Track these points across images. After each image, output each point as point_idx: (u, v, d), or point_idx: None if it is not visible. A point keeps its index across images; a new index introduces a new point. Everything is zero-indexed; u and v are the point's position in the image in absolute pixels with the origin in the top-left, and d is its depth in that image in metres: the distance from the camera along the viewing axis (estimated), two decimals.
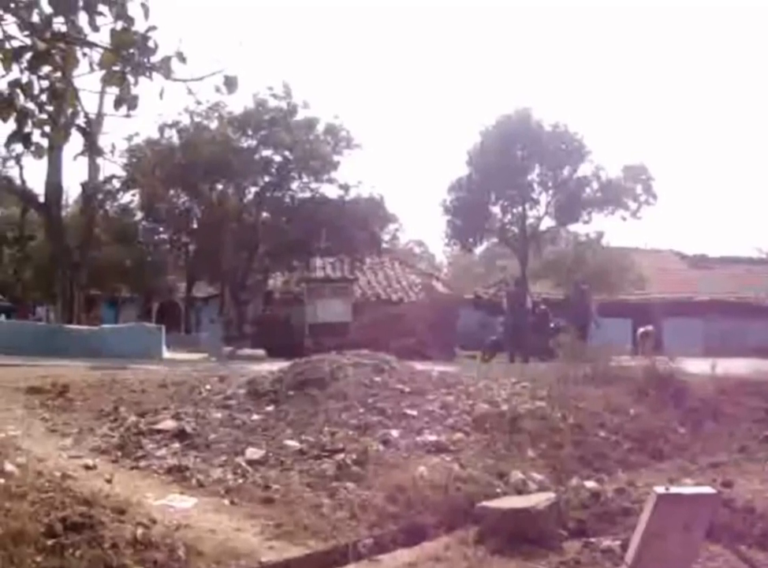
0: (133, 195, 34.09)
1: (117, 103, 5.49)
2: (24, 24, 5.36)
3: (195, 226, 32.46)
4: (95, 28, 5.41)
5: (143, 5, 5.41)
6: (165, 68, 5.43)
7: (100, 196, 33.88)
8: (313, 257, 30.47)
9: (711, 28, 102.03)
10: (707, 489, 6.92)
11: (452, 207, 29.87)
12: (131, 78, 5.51)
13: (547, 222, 30.50)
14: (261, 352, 27.13)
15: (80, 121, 5.65)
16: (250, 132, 28.66)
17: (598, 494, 10.38)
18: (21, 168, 35.57)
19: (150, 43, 5.53)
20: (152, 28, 5.51)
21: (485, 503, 9.59)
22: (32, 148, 5.59)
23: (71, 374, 17.86)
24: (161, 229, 37.66)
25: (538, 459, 12.33)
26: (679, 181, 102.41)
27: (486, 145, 29.40)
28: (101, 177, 31.78)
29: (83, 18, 5.41)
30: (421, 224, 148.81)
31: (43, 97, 5.48)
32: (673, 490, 6.29)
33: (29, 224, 41.12)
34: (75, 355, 24.57)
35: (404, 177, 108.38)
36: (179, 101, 33.62)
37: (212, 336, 30.30)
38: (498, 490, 10.82)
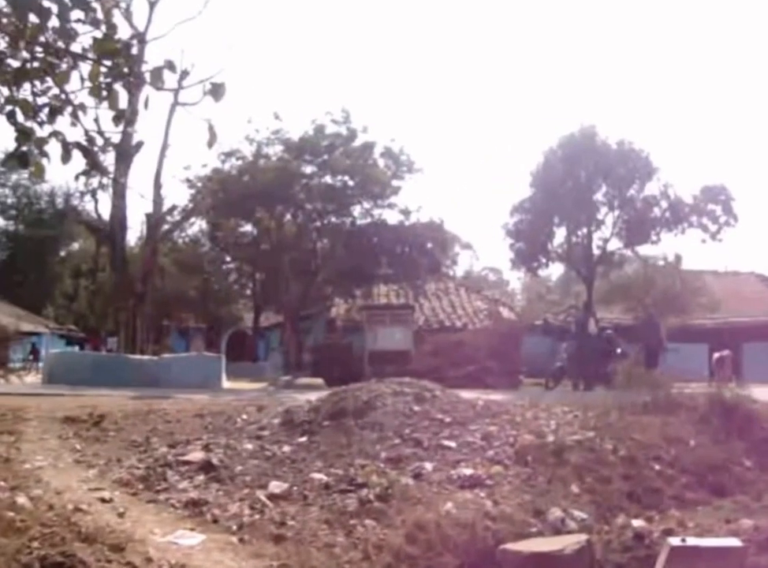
0: (194, 224, 33.96)
1: (116, 119, 5.16)
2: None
3: (254, 254, 32.10)
4: (68, 36, 4.92)
5: (126, 11, 4.89)
6: (154, 78, 4.91)
7: (166, 227, 33.84)
8: (373, 284, 29.78)
9: None
10: (733, 541, 5.89)
11: (514, 230, 28.92)
12: (120, 89, 5.10)
13: (615, 244, 29.36)
14: (319, 381, 26.50)
15: (81, 138, 5.21)
16: (308, 158, 28.22)
17: (642, 535, 9.33)
18: (96, 201, 35.77)
19: (134, 51, 5.16)
20: (136, 35, 4.99)
21: (507, 546, 8.68)
22: (31, 168, 5.15)
23: (110, 403, 17.44)
24: (228, 258, 37.46)
25: (583, 495, 11.32)
26: (760, 202, 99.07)
27: (549, 165, 28.39)
28: (165, 208, 31.65)
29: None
30: (495, 251, 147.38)
31: (43, 115, 5.10)
32: (690, 541, 5.31)
33: (104, 257, 41.44)
34: (134, 385, 24.32)
35: (475, 202, 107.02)
36: (240, 128, 33.59)
37: (271, 365, 29.82)
38: (534, 529, 9.91)
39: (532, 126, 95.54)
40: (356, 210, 28.91)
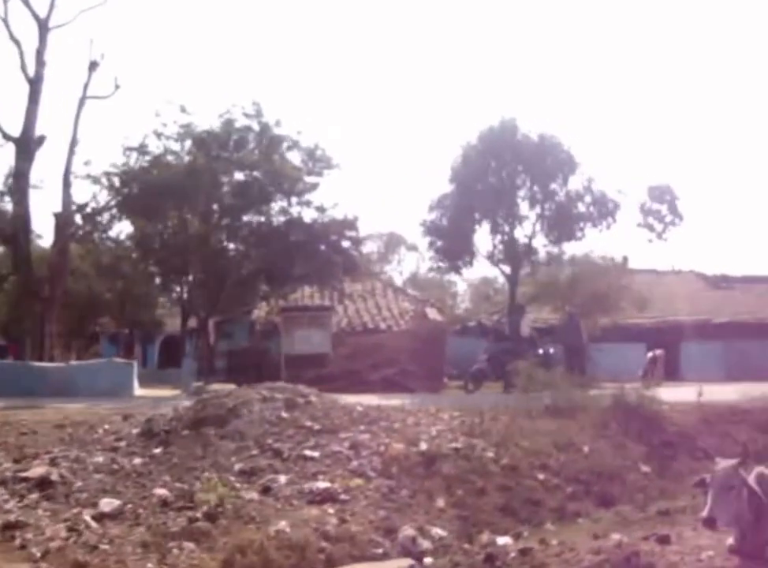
0: (113, 224, 32.39)
1: None
2: None
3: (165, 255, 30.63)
4: None
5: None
6: None
7: (87, 228, 32.37)
8: (287, 285, 28.60)
9: (737, 38, 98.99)
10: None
11: (433, 227, 27.87)
12: None
13: (542, 241, 28.41)
14: (232, 386, 25.28)
15: None
16: (218, 153, 26.87)
17: (493, 556, 8.28)
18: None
19: None
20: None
21: None
22: None
23: None
24: (151, 261, 35.94)
25: (449, 509, 10.34)
26: (702, 201, 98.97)
27: (468, 160, 27.31)
28: (73, 207, 30.21)
29: None
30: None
31: None
32: None
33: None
34: (39, 394, 22.93)
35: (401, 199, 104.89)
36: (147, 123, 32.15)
37: (186, 371, 28.56)
38: (380, 550, 8.91)
39: (453, 120, 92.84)
40: (271, 208, 27.68)
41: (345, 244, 26.69)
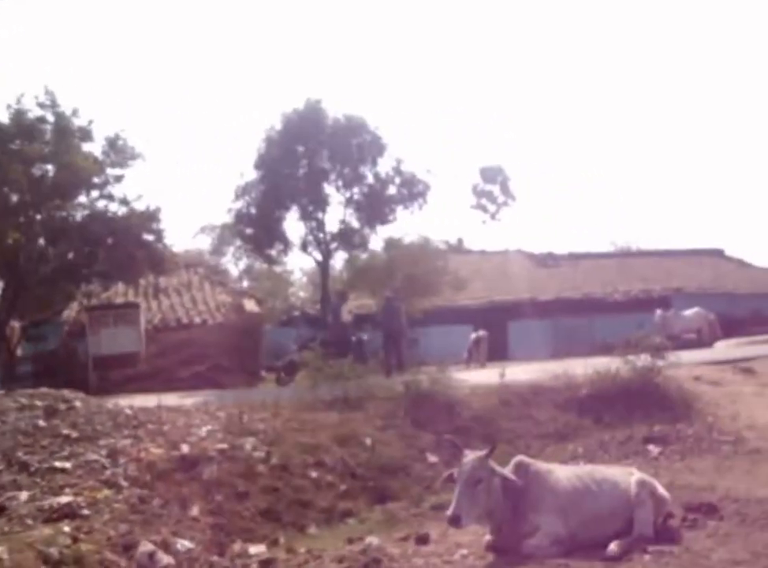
0: None
1: None
2: None
3: None
4: None
5: None
6: None
7: None
8: (92, 282, 27.24)
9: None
10: None
11: (242, 215, 27.06)
12: None
13: (354, 226, 27.85)
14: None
15: None
16: (2, 146, 25.07)
17: None
18: None
19: None
20: None
21: None
22: None
23: None
24: None
25: (204, 517, 9.76)
26: (532, 181, 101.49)
27: (272, 143, 26.65)
28: None
29: None
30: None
31: None
32: None
33: None
34: None
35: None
36: None
37: None
38: None
39: (257, 103, 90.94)
40: (71, 202, 26.15)
41: (148, 237, 25.52)
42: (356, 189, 26.85)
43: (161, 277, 30.00)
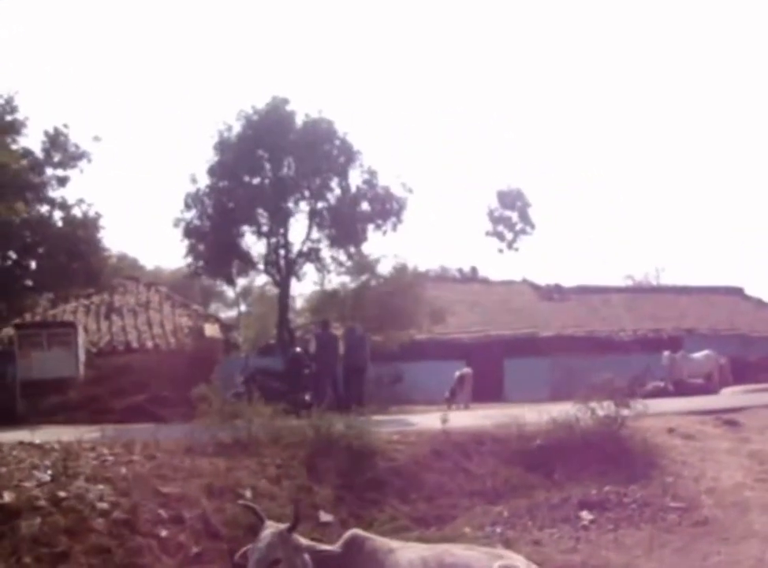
0: None
1: None
2: None
3: None
4: None
5: None
6: None
7: None
8: (26, 297, 25.94)
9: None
10: None
11: (192, 227, 25.52)
12: None
13: (321, 246, 26.27)
14: None
15: None
16: None
17: None
18: None
19: None
20: None
21: None
22: None
23: None
24: None
25: None
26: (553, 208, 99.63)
27: (228, 147, 25.09)
28: None
29: None
30: None
31: None
32: None
33: None
34: None
35: None
36: None
37: None
38: None
39: (212, 102, 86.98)
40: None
41: (84, 248, 24.16)
42: (321, 204, 25.31)
43: (114, 295, 28.89)
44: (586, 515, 11.28)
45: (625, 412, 14.48)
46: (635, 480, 12.88)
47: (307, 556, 6.10)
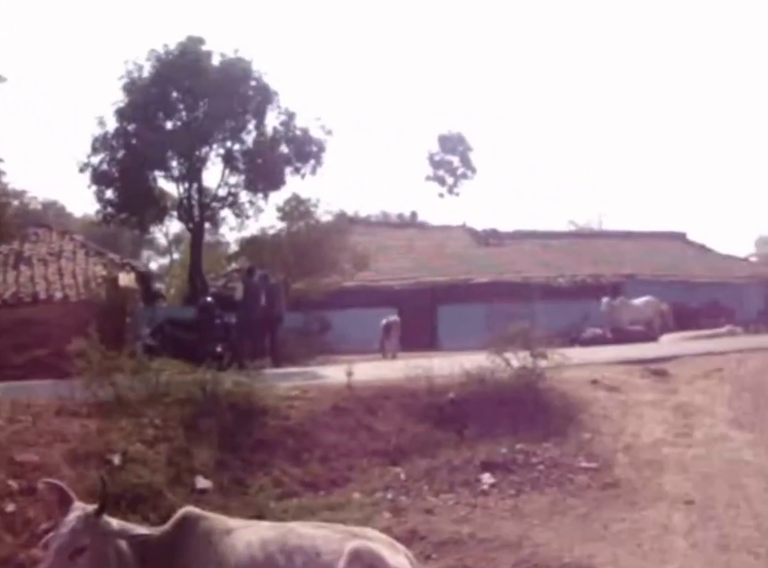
0: None
1: None
2: None
3: None
4: None
5: None
6: None
7: None
8: None
9: None
10: None
11: (101, 173, 24.40)
12: None
13: (240, 188, 25.21)
14: None
15: None
16: None
17: None
18: None
19: None
20: None
21: None
22: None
23: None
24: None
25: None
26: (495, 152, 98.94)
27: (139, 88, 23.96)
28: None
29: None
30: None
31: None
32: None
33: None
34: None
35: None
36: None
37: None
38: None
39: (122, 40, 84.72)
40: None
41: None
42: (237, 146, 24.32)
43: (25, 243, 27.64)
44: (487, 479, 10.57)
45: (543, 363, 13.83)
46: (550, 437, 12.29)
47: (123, 543, 5.33)
